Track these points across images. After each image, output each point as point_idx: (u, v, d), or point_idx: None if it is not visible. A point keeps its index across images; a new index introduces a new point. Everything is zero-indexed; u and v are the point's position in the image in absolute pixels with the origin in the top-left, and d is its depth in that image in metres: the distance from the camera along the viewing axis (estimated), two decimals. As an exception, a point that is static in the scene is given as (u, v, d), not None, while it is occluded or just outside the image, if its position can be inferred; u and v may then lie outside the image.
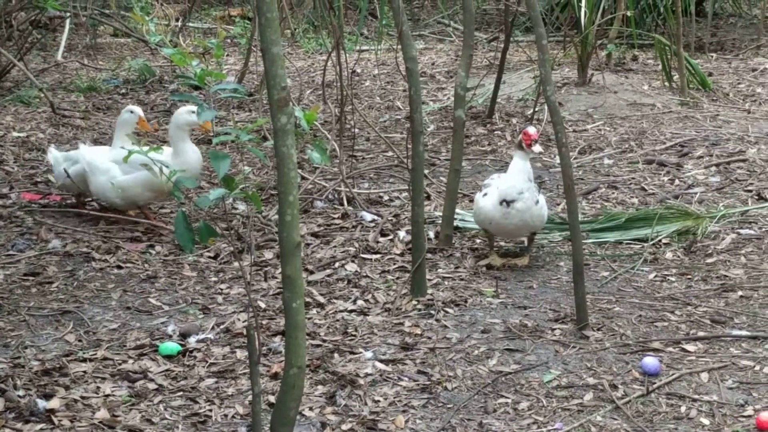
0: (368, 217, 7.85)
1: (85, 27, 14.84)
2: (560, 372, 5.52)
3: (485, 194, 6.96)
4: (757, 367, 5.56)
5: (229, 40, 14.84)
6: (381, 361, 5.62)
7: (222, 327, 6.04)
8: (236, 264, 6.91)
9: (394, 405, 5.18)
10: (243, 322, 6.06)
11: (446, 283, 6.71)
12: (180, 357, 5.68)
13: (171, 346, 5.73)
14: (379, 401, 5.21)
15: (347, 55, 9.33)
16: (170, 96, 6.19)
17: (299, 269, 3.97)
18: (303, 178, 8.56)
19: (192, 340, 5.86)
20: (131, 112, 7.69)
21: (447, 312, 6.27)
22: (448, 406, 5.19)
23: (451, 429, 4.97)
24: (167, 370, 5.52)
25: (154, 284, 6.72)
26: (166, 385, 5.36)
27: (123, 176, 7.47)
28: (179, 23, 15.13)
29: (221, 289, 6.65)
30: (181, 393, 5.29)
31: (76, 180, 7.73)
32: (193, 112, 7.25)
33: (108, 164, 7.53)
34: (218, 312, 6.30)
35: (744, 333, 5.98)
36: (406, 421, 5.01)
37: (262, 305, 6.34)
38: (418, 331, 5.99)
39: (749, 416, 5.05)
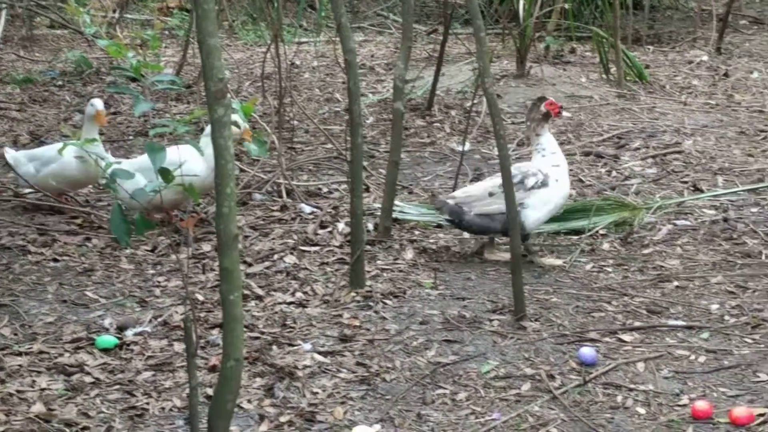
0: (307, 209, 7.83)
1: (21, 18, 14.70)
2: (498, 362, 5.54)
3: (556, 180, 6.85)
4: (693, 357, 5.62)
5: (167, 32, 14.75)
6: (319, 353, 5.62)
7: (160, 320, 6.01)
8: (174, 257, 6.88)
9: (333, 397, 5.18)
10: (181, 314, 6.03)
11: (385, 274, 6.72)
12: (117, 350, 5.64)
13: (108, 340, 5.69)
14: (317, 393, 5.21)
15: (286, 47, 9.30)
16: (107, 88, 6.13)
17: (236, 261, 3.95)
18: (242, 170, 8.53)
19: (129, 333, 5.82)
20: (92, 105, 7.58)
21: (386, 304, 6.27)
22: (387, 397, 5.19)
23: (389, 420, 4.98)
24: (104, 364, 5.48)
25: (91, 277, 6.67)
26: (102, 378, 5.33)
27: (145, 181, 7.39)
28: (116, 14, 15.00)
29: (159, 282, 6.61)
30: (118, 386, 5.25)
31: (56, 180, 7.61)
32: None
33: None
34: (156, 305, 6.27)
35: (680, 323, 6.04)
36: (345, 413, 5.02)
37: (201, 298, 6.31)
38: (357, 323, 6.00)
39: (684, 405, 5.10)
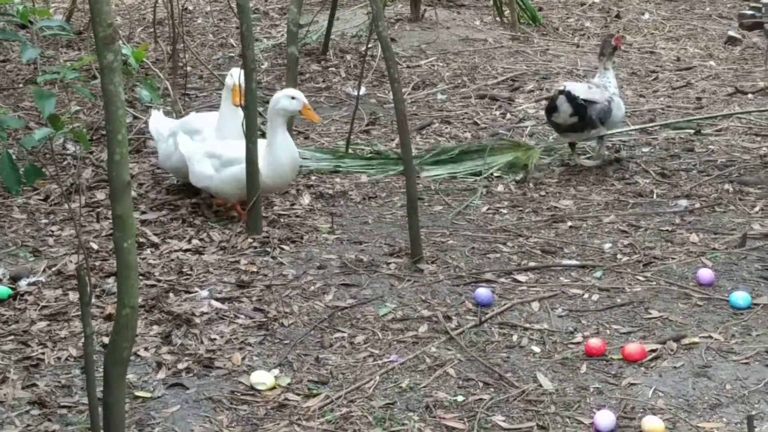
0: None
1: None
2: (395, 305, 5.58)
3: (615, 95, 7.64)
4: (586, 296, 5.70)
5: (56, -23, 14.48)
6: (217, 299, 5.61)
7: (54, 269, 5.95)
8: (67, 205, 6.80)
9: (231, 343, 5.18)
10: (75, 263, 5.97)
11: (282, 220, 6.71)
12: (11, 301, 5.58)
13: (1, 290, 5.62)
14: (215, 339, 5.20)
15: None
16: (-6, 35, 6.02)
17: (130, 208, 3.91)
18: (135, 117, 8.43)
19: (23, 284, 5.76)
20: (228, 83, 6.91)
21: (283, 249, 6.27)
22: (285, 342, 5.21)
23: (288, 364, 4.99)
24: (-2, 315, 5.43)
25: (-17, 228, 6.58)
26: (-4, 329, 5.27)
27: None
28: (4, -40, 14.66)
29: (52, 231, 6.53)
30: (12, 337, 5.20)
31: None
32: (293, 98, 6.50)
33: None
34: (50, 254, 6.20)
35: (573, 262, 6.12)
36: (243, 359, 5.02)
37: (95, 246, 6.25)
38: (254, 269, 5.99)
39: (578, 343, 5.19)
